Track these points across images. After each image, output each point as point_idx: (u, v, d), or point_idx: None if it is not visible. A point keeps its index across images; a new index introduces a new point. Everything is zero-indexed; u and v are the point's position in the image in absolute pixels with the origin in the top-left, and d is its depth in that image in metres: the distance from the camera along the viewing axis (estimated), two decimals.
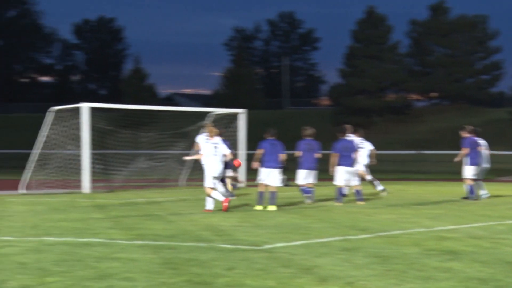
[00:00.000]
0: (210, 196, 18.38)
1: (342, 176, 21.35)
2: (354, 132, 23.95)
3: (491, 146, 25.98)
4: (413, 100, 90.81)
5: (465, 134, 23.48)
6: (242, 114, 33.02)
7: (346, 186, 21.63)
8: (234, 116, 33.63)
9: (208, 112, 34.49)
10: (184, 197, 24.97)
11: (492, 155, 25.76)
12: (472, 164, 23.06)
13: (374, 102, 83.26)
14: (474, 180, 23.19)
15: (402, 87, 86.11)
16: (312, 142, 22.04)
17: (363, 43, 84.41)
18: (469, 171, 23.05)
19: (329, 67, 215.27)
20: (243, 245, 11.73)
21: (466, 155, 23.13)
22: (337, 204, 21.06)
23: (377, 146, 26.80)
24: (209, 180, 18.44)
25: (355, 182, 21.68)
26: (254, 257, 10.51)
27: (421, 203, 21.63)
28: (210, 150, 18.63)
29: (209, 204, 18.39)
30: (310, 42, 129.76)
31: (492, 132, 75.43)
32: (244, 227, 14.45)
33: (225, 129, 32.62)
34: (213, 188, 18.45)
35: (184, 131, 34.23)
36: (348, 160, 21.37)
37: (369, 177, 25.45)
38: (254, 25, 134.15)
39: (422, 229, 14.24)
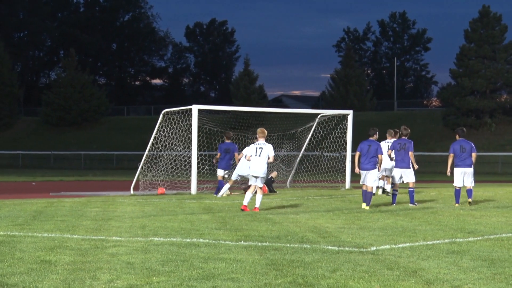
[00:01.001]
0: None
1: (459, 177, 21.14)
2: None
3: None
4: None
5: None
6: (349, 115, 32.86)
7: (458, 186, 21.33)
8: (342, 118, 33.50)
9: (316, 114, 34.47)
10: (290, 198, 25.00)
11: None
12: None
13: (486, 103, 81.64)
14: None
15: None
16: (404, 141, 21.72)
17: (476, 43, 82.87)
18: None
19: (440, 68, 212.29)
20: (348, 247, 11.69)
21: None
22: (456, 205, 20.86)
23: (488, 147, 26.45)
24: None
25: (469, 183, 21.32)
26: (359, 259, 10.47)
27: None
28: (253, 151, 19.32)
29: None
30: (421, 43, 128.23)
31: None
32: (350, 229, 14.38)
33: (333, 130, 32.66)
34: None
35: (291, 132, 34.31)
36: (465, 161, 21.08)
37: None
38: (365, 26, 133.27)
39: None
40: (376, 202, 21.69)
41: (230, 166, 27.44)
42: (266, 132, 20.06)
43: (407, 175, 21.44)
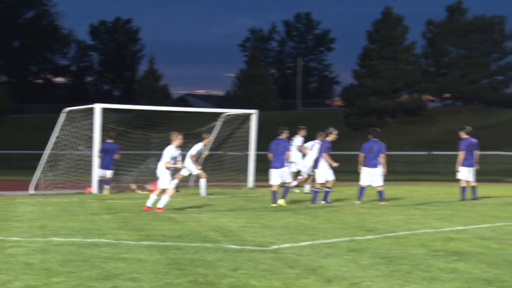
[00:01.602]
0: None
1: (365, 176, 21.53)
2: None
3: (505, 147, 26.05)
4: (426, 101, 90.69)
5: (463, 136, 23.50)
6: (254, 115, 33.02)
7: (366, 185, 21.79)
8: (246, 117, 33.64)
9: (220, 113, 34.55)
10: (193, 197, 25.00)
11: (504, 156, 25.84)
12: (465, 165, 23.17)
13: (388, 103, 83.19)
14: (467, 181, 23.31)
15: (416, 88, 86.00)
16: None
17: (379, 43, 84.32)
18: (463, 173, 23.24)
19: (344, 68, 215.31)
20: (249, 246, 11.75)
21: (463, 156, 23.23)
22: (356, 202, 21.23)
23: (390, 147, 26.92)
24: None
25: (378, 183, 21.70)
26: (260, 257, 10.53)
27: (430, 204, 21.62)
28: None
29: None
30: (325, 43, 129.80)
31: (505, 133, 75.34)
32: (252, 228, 14.46)
33: (237, 129, 32.80)
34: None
35: (196, 131, 34.29)
36: (371, 161, 21.47)
37: None
38: (270, 26, 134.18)
39: (429, 230, 14.24)
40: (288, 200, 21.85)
41: (111, 166, 27.53)
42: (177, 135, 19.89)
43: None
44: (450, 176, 36.00)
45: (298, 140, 27.87)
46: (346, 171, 35.57)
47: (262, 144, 32.93)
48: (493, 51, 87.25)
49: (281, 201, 20.72)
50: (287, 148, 20.96)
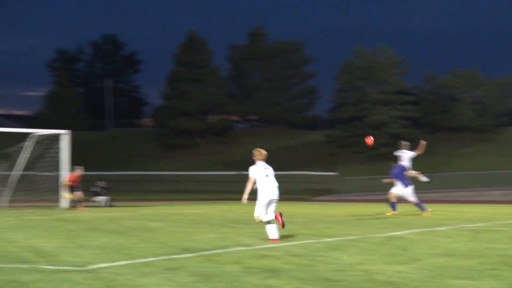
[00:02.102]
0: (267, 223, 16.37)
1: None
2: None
3: (309, 167, 27.06)
4: (234, 122, 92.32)
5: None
6: (65, 135, 32.65)
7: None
8: (57, 137, 33.22)
9: (30, 133, 33.94)
10: (6, 218, 24.44)
11: (309, 176, 26.78)
12: None
13: (197, 124, 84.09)
14: None
15: (223, 110, 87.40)
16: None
17: (185, 66, 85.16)
18: None
19: (153, 89, 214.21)
20: (66, 266, 11.70)
21: None
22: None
23: (200, 167, 27.30)
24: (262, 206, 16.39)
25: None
26: (78, 277, 10.51)
27: (242, 222, 22.09)
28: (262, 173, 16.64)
29: (274, 232, 16.28)
30: (132, 64, 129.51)
31: (309, 154, 77.82)
32: (68, 248, 14.38)
33: (47, 150, 32.34)
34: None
35: (5, 152, 33.52)
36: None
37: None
38: (77, 46, 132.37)
39: (243, 248, 14.59)
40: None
41: None
42: None
43: None
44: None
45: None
46: (158, 190, 35.64)
47: (74, 163, 32.61)
48: (294, 75, 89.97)
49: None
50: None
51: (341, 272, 11.14)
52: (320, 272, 11.19)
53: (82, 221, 22.99)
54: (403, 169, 25.80)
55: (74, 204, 31.09)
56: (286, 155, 77.27)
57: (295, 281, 10.32)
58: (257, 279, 10.47)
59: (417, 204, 25.66)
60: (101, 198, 35.45)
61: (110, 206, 34.99)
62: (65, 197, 31.07)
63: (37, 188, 32.69)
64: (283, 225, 15.88)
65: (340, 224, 21.64)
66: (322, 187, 59.77)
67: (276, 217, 15.92)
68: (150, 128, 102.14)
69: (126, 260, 12.55)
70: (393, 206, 26.18)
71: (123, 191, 56.58)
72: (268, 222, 16.12)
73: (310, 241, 16.15)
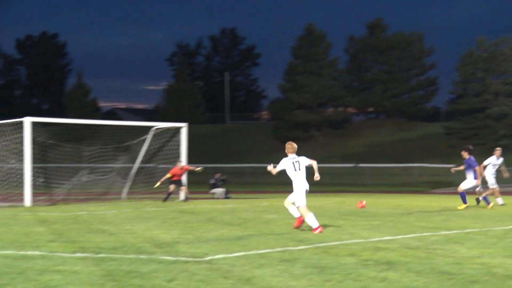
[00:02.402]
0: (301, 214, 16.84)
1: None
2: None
3: (427, 159, 26.76)
4: (351, 115, 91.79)
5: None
6: (184, 128, 33.15)
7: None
8: (176, 130, 33.75)
9: (150, 126, 34.59)
10: (126, 210, 24.98)
11: (427, 168, 26.50)
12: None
13: (313, 116, 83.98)
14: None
15: (340, 102, 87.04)
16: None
17: (303, 59, 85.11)
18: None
19: (270, 83, 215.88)
20: (183, 257, 11.84)
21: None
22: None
23: (316, 159, 27.21)
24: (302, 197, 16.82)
25: None
26: (195, 268, 10.63)
27: (358, 215, 21.94)
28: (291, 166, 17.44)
29: (314, 222, 16.45)
30: (251, 58, 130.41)
31: (427, 146, 76.66)
32: (185, 239, 14.56)
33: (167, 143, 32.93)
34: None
35: (126, 144, 34.27)
36: None
37: None
38: (197, 41, 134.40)
39: (359, 240, 14.48)
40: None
41: None
42: None
43: None
44: (375, 187, 36.54)
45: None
46: (274, 183, 35.82)
47: (193, 157, 33.08)
48: (413, 67, 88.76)
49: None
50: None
51: (459, 265, 10.93)
52: (438, 265, 11.03)
53: (199, 212, 23.29)
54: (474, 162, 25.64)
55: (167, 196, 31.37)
56: (404, 147, 76.41)
57: (412, 274, 10.19)
58: (373, 271, 10.39)
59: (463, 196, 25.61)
60: (218, 190, 35.82)
61: (227, 198, 35.32)
62: (155, 186, 31.51)
63: (156, 180, 33.30)
64: (297, 227, 16.83)
65: (458, 216, 21.23)
66: (441, 179, 58.85)
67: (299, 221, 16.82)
68: (267, 121, 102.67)
69: (242, 251, 12.63)
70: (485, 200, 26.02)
71: (239, 183, 57.08)
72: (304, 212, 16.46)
73: (428, 233, 15.92)
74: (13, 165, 29.11)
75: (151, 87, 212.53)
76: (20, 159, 28.30)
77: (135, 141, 34.03)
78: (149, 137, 33.67)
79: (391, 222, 19.25)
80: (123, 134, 34.25)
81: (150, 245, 13.55)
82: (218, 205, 28.28)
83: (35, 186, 28.51)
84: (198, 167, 31.90)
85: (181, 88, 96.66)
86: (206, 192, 37.35)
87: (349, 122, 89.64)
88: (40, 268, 10.59)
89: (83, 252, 12.46)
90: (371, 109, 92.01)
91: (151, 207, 26.79)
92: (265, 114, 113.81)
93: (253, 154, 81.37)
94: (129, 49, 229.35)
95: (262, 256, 12.03)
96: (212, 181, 36.58)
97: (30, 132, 27.89)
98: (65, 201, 30.16)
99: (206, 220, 19.89)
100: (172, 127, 34.24)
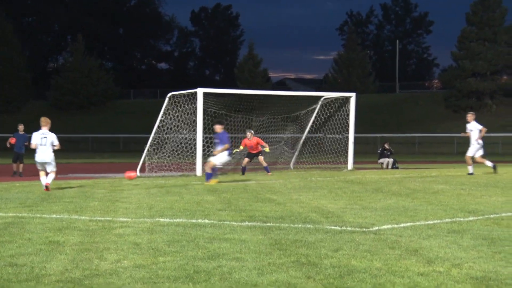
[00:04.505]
0: None
1: None
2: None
3: None
4: None
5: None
6: (352, 98, 33.03)
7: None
8: (345, 100, 33.67)
9: (319, 96, 34.65)
10: (294, 179, 25.20)
11: None
12: None
13: (487, 84, 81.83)
14: None
15: None
16: None
17: (477, 25, 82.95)
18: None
19: (442, 51, 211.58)
20: (350, 227, 11.82)
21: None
22: None
23: (489, 129, 26.64)
24: None
25: None
26: (361, 238, 10.59)
27: None
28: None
29: None
30: (423, 26, 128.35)
31: None
32: (352, 209, 14.55)
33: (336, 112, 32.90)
34: None
35: (295, 114, 34.50)
36: None
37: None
38: (368, 9, 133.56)
39: None
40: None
41: None
42: (49, 121, 21.16)
43: None
44: None
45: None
46: (445, 153, 35.09)
47: (361, 127, 32.94)
48: None
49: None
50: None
51: None
52: None
53: (366, 182, 23.19)
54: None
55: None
56: None
57: None
58: None
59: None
60: (386, 160, 35.57)
61: (395, 167, 35.02)
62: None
63: (324, 150, 33.38)
64: None
65: None
66: None
67: None
68: (438, 90, 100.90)
69: (410, 222, 12.49)
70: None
71: (409, 153, 56.43)
72: None
73: None
74: (186, 135, 29.89)
75: (321, 57, 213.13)
76: (193, 130, 29.04)
77: (303, 111, 34.19)
78: (317, 107, 33.75)
79: None
80: (292, 104, 34.50)
81: (317, 215, 13.61)
82: (385, 175, 28.08)
83: (206, 156, 29.21)
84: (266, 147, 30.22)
85: (351, 57, 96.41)
86: (374, 162, 37.12)
87: None
88: (209, 236, 10.82)
89: (251, 221, 12.65)
90: None
91: (318, 177, 26.90)
92: (436, 83, 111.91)
93: (425, 123, 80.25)
94: (300, 19, 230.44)
95: (430, 227, 11.85)
96: (379, 151, 36.34)
97: (202, 103, 28.55)
98: (234, 170, 30.74)
99: (373, 190, 19.79)
100: (341, 96, 34.18)
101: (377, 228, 11.74)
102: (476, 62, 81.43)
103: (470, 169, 26.94)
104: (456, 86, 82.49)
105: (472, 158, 26.93)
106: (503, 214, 13.56)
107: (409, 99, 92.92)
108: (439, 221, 12.62)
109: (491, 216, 13.33)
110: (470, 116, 27.57)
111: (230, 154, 23.76)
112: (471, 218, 12.98)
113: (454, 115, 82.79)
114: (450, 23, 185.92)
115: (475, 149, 26.82)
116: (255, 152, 29.76)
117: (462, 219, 12.90)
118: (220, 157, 22.94)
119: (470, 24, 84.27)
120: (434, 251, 9.55)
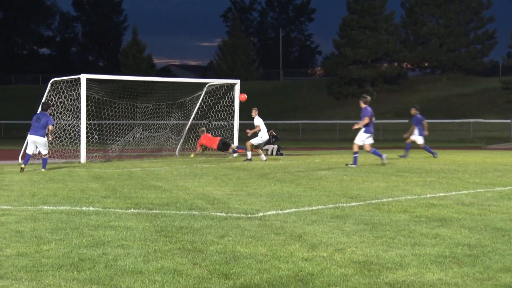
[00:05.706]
0: None
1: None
2: None
3: (484, 115, 26.41)
4: (406, 70, 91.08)
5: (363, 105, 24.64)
6: (237, 85, 33.17)
7: None
8: (230, 87, 33.79)
9: (204, 83, 34.67)
10: (179, 166, 25.17)
11: (484, 123, 26.18)
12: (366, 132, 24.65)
13: (368, 72, 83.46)
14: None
15: (395, 57, 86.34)
16: None
17: (358, 13, 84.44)
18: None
19: (324, 38, 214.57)
20: (235, 213, 11.91)
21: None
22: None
23: None
24: None
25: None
26: (246, 224, 10.68)
27: (411, 171, 21.79)
28: None
29: None
30: (305, 13, 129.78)
31: (484, 101, 75.75)
32: (237, 196, 14.64)
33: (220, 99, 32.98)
34: None
35: (180, 101, 34.43)
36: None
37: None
38: None
39: (412, 197, 14.40)
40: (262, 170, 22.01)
41: None
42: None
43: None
44: (431, 143, 36.28)
45: None
46: (327, 139, 35.62)
47: (246, 113, 33.12)
48: (471, 20, 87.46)
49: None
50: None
51: None
52: (492, 222, 10.94)
53: (252, 169, 23.37)
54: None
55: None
56: (460, 102, 75.59)
57: (465, 230, 10.11)
58: (426, 228, 10.34)
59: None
60: (271, 147, 35.89)
61: (279, 154, 35.38)
62: (191, 157, 31.57)
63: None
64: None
65: None
66: (498, 135, 58.23)
67: None
68: (321, 77, 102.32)
69: (294, 208, 12.65)
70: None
71: (293, 140, 57.04)
72: None
73: (482, 190, 15.78)
74: (69, 122, 29.47)
75: (205, 44, 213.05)
76: (76, 116, 28.66)
77: (188, 98, 34.15)
78: (202, 94, 33.77)
79: (445, 178, 19.10)
80: (177, 91, 34.40)
81: (203, 202, 13.65)
82: (270, 161, 28.34)
83: (90, 143, 28.88)
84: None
85: (235, 44, 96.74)
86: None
87: (404, 77, 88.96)
88: (94, 224, 10.74)
89: (136, 208, 12.60)
90: (426, 64, 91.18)
91: (203, 163, 26.95)
92: (319, 70, 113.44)
93: (307, 110, 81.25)
94: (184, 6, 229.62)
95: (314, 212, 12.04)
96: None
97: (85, 89, 28.19)
98: (119, 157, 30.51)
99: (258, 177, 19.94)
100: (226, 83, 34.28)
101: (262, 214, 11.85)
102: (357, 49, 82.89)
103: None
104: (338, 74, 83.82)
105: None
106: (384, 200, 13.87)
107: (293, 86, 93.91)
108: (322, 206, 12.82)
109: (373, 201, 13.62)
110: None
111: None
112: (353, 204, 13.23)
113: (336, 102, 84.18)
114: (332, 11, 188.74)
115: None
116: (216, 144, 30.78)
117: (344, 204, 13.14)
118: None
119: (351, 12, 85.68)
120: (318, 236, 9.70)
